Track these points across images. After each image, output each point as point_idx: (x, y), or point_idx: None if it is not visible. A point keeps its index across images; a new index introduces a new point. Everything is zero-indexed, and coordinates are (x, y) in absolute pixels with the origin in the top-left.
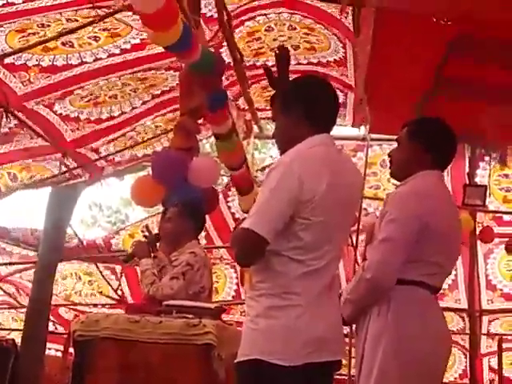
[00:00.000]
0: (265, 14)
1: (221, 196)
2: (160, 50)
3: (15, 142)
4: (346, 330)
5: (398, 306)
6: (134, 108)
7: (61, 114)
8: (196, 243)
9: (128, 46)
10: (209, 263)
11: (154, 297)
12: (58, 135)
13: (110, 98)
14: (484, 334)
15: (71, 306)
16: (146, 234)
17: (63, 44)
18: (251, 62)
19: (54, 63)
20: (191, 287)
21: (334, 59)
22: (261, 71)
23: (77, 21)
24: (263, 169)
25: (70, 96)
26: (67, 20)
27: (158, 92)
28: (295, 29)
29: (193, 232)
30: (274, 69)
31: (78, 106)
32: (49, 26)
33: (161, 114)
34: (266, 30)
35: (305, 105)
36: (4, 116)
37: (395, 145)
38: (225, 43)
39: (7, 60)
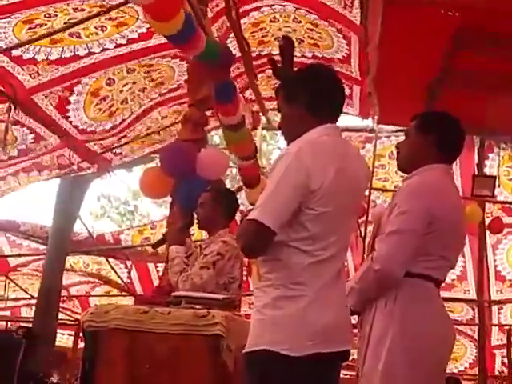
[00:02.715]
0: (270, 5)
1: None
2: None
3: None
4: (355, 320)
5: (405, 298)
6: (142, 106)
7: (77, 126)
8: (227, 231)
9: (135, 36)
10: (240, 254)
11: (159, 288)
12: (68, 134)
13: (121, 103)
14: (494, 325)
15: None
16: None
17: (70, 35)
18: (256, 52)
19: (62, 56)
20: (221, 277)
21: (338, 58)
22: (265, 60)
23: (83, 10)
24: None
25: (82, 97)
26: (74, 9)
27: (165, 91)
28: (300, 22)
29: (225, 218)
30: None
31: (92, 117)
32: (56, 15)
33: (167, 107)
34: (270, 21)
35: (310, 94)
36: (12, 109)
37: (403, 137)
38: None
39: (15, 53)
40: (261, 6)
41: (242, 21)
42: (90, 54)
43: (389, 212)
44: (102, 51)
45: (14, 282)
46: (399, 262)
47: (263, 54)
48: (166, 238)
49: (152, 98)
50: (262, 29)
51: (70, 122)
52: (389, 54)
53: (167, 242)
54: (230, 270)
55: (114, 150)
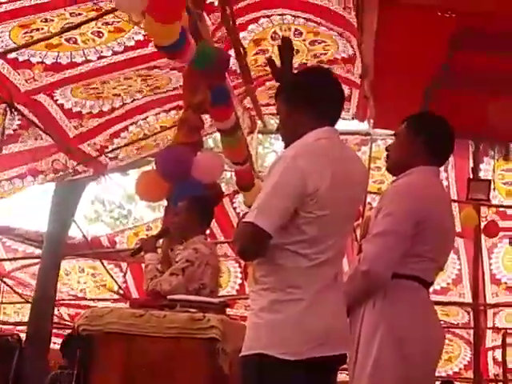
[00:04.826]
0: (268, 16)
1: (226, 197)
2: None
3: (20, 142)
4: None
5: (393, 299)
6: (135, 99)
7: (62, 104)
8: (202, 238)
9: (132, 43)
10: (213, 261)
11: (154, 291)
12: (61, 131)
13: (113, 95)
14: (489, 328)
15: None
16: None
17: (67, 40)
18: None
19: (58, 61)
20: (191, 284)
21: (343, 57)
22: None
23: (80, 15)
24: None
25: (72, 85)
26: (70, 14)
27: (162, 90)
28: (301, 34)
29: (200, 226)
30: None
31: (79, 97)
32: (52, 20)
33: (163, 110)
34: (272, 38)
35: (309, 97)
36: (8, 112)
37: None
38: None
39: (10, 55)
40: (259, 18)
41: (241, 34)
42: (86, 61)
43: (376, 213)
44: (98, 59)
45: (9, 286)
46: (386, 264)
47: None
48: (142, 245)
49: (147, 95)
50: (264, 50)
51: (56, 102)
52: (384, 57)
53: (143, 250)
54: (201, 276)
55: (109, 154)
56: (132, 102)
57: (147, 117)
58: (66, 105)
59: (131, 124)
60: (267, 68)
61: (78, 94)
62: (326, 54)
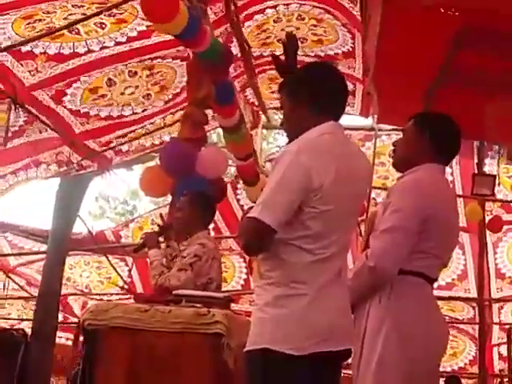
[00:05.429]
0: (274, 7)
1: (229, 188)
2: (166, 37)
3: (24, 136)
4: None
5: (399, 295)
6: (145, 110)
7: (71, 108)
8: (206, 233)
9: (134, 34)
10: (218, 255)
11: (161, 287)
12: (66, 128)
13: (122, 105)
14: (495, 324)
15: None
16: (160, 223)
17: (69, 31)
18: (258, 52)
19: (61, 51)
20: (199, 279)
21: (342, 51)
22: (267, 60)
23: (83, 6)
24: (271, 160)
25: (80, 91)
26: (73, 6)
27: (170, 97)
28: (304, 19)
29: (203, 221)
30: (282, 57)
31: (88, 103)
32: (55, 12)
33: (170, 113)
34: (274, 22)
35: (312, 92)
36: (13, 108)
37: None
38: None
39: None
40: (264, 9)
41: (246, 23)
42: (89, 51)
43: (383, 209)
44: (101, 49)
45: (15, 282)
46: (394, 260)
47: (265, 54)
48: (144, 241)
49: (156, 105)
50: (265, 30)
51: (65, 107)
52: (388, 53)
53: (146, 246)
54: (208, 270)
55: (116, 148)
56: (142, 111)
57: (155, 121)
58: (75, 108)
59: (141, 128)
60: (268, 46)
61: (88, 100)
62: (326, 36)
